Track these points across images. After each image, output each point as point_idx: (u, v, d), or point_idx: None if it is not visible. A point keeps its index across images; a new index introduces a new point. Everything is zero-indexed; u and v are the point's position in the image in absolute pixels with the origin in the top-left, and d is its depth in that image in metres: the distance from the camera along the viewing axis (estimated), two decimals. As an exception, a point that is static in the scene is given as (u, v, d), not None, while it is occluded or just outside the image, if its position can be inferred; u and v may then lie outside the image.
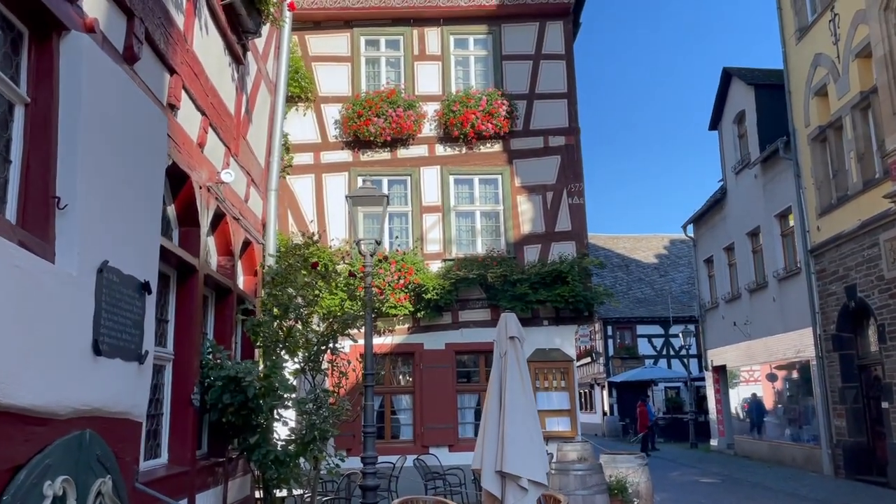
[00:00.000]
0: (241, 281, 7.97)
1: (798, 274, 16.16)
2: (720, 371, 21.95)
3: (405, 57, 13.86)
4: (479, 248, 13.21)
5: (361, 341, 8.48)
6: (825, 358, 15.06)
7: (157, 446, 5.56)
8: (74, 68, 3.74)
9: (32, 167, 3.59)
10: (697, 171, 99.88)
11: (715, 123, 21.29)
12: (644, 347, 32.03)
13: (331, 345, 7.89)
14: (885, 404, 13.05)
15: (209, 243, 6.83)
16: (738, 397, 20.88)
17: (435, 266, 12.90)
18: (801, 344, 16.12)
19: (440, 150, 13.48)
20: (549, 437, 10.58)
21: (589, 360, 34.44)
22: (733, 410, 21.26)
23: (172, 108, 5.39)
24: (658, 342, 32.09)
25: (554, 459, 9.47)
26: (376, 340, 11.84)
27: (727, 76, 19.95)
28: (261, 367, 6.92)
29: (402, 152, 13.43)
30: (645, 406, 24.32)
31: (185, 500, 5.52)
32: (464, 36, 14.04)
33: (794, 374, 17.13)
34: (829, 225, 14.71)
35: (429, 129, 13.50)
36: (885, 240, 12.57)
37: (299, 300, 7.56)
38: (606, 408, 32.95)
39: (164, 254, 5.18)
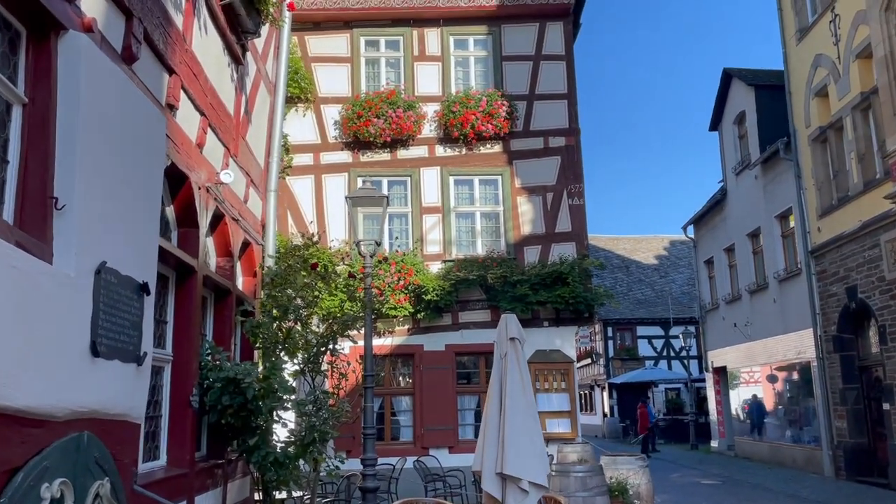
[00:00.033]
0: (240, 282, 7.95)
1: (798, 275, 16.13)
2: (720, 372, 21.93)
3: (405, 57, 13.85)
4: (479, 249, 13.19)
5: (361, 342, 8.45)
6: (826, 359, 15.03)
7: (155, 448, 5.54)
8: (72, 68, 3.72)
9: (30, 167, 3.57)
10: (698, 172, 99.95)
11: (715, 124, 21.28)
12: (644, 349, 32.02)
13: (330, 346, 7.87)
14: (886, 405, 13.03)
15: (208, 244, 6.81)
16: (738, 398, 20.86)
17: (435, 267, 12.88)
18: (801, 345, 16.10)
19: (440, 150, 13.46)
20: (549, 439, 10.55)
21: (589, 361, 34.42)
22: (734, 412, 21.24)
23: (171, 108, 5.37)
24: (658, 343, 32.08)
25: (554, 461, 9.45)
26: (376, 342, 11.82)
27: (727, 77, 19.94)
28: (260, 368, 6.90)
29: (401, 153, 13.41)
30: (645, 407, 24.30)
31: (183, 502, 5.50)
32: (464, 36, 14.02)
33: (795, 376, 17.11)
34: (830, 226, 14.69)
35: (429, 129, 13.48)
36: (885, 241, 12.55)
37: (299, 301, 7.54)
38: (607, 409, 32.92)
39: (163, 255, 5.16)
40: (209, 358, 6.25)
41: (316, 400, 7.34)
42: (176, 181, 5.69)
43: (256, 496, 7.42)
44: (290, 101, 12.58)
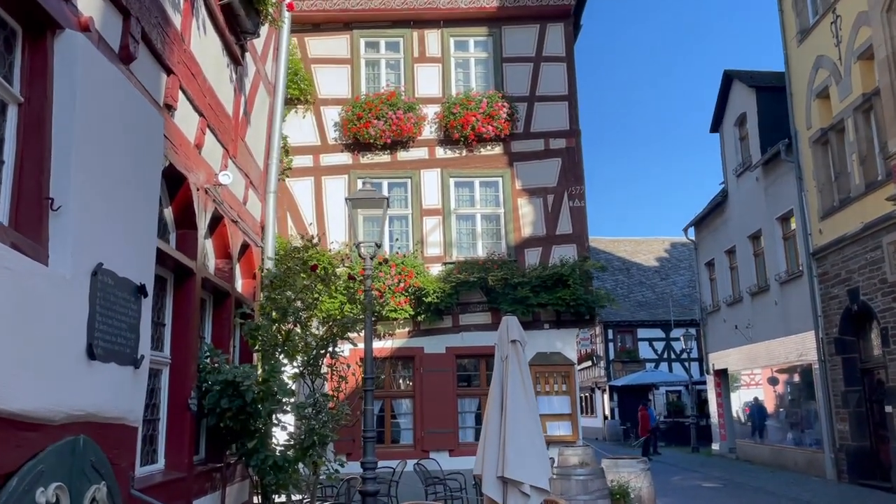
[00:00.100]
0: (239, 284, 7.90)
1: (800, 277, 16.09)
2: (722, 375, 21.88)
3: (405, 59, 13.82)
4: (480, 252, 13.14)
5: (361, 345, 8.41)
6: (828, 361, 14.99)
7: (153, 452, 5.49)
8: (69, 67, 3.68)
9: (26, 168, 3.53)
10: (698, 174, 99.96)
11: (716, 126, 21.26)
12: (645, 351, 31.97)
13: (330, 348, 7.82)
14: (888, 408, 12.98)
15: (207, 246, 6.77)
16: (739, 401, 20.81)
17: (435, 269, 12.84)
18: (803, 347, 16.05)
19: (440, 152, 13.43)
20: (550, 442, 10.46)
21: (590, 363, 34.38)
22: (735, 414, 21.19)
23: (169, 108, 5.33)
24: (659, 346, 32.04)
25: (555, 464, 9.40)
26: (376, 344, 11.77)
27: (728, 78, 19.92)
28: (259, 371, 6.85)
29: (402, 155, 13.37)
30: (646, 410, 24.25)
31: (182, 506, 5.45)
32: (464, 38, 14.00)
33: (797, 378, 17.05)
34: (832, 227, 14.65)
35: (429, 131, 13.45)
36: (888, 242, 12.50)
37: (298, 303, 7.49)
38: (607, 412, 32.87)
39: (161, 256, 5.12)
40: (208, 360, 6.20)
41: (315, 403, 7.29)
42: (174, 182, 5.64)
43: (255, 500, 7.37)
44: (290, 102, 12.54)
